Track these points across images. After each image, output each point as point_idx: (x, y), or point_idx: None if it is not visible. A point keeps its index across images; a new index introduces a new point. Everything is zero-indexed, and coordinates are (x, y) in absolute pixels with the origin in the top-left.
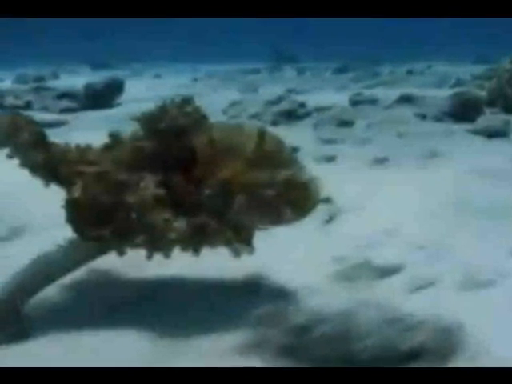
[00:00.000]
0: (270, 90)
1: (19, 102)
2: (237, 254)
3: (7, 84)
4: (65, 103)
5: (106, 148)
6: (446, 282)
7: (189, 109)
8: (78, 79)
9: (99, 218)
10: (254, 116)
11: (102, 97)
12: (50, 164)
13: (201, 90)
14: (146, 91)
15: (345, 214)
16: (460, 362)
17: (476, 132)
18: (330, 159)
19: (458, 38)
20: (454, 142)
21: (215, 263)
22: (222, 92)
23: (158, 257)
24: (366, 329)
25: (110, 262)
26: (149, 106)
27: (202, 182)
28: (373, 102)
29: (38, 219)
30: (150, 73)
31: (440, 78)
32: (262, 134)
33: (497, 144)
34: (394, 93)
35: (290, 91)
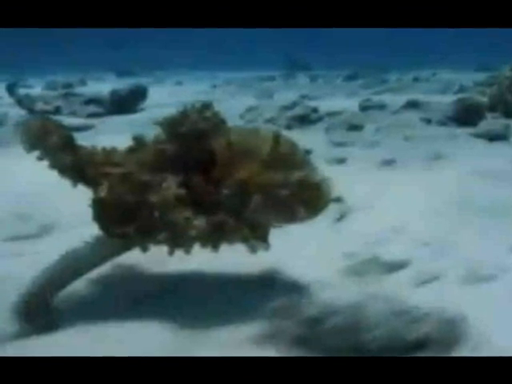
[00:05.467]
0: (285, 96)
1: (49, 108)
2: (253, 250)
3: (37, 90)
4: (92, 108)
5: (131, 150)
6: (449, 276)
7: (208, 114)
8: (104, 86)
9: (124, 216)
10: (270, 120)
11: (126, 102)
12: (77, 165)
13: (219, 96)
14: (167, 97)
15: (355, 212)
16: (463, 351)
17: (478, 135)
18: (341, 161)
19: (461, 47)
20: (458, 144)
21: (233, 259)
22: (240, 98)
23: (179, 253)
24: (374, 320)
25: (134, 257)
26: (170, 111)
27: (221, 183)
28: (381, 107)
29: (67, 217)
30: (171, 80)
31: (444, 85)
32: (276, 138)
33: (497, 147)
34: (400, 99)
35: (303, 97)
